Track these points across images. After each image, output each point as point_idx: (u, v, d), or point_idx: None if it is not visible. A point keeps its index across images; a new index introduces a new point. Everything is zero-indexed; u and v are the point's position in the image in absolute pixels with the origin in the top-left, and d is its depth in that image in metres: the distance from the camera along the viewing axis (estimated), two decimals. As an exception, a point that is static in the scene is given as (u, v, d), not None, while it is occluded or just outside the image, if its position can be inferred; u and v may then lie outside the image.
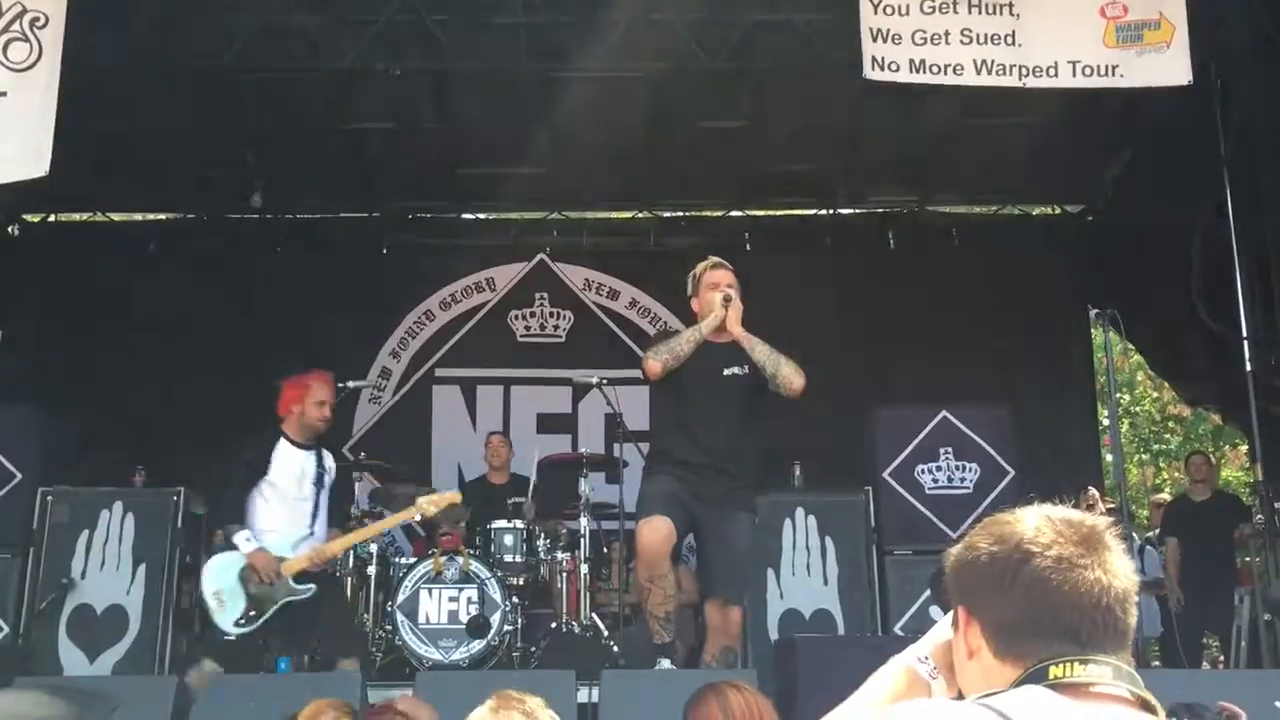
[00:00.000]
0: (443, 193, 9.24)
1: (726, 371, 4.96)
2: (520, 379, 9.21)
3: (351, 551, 6.33)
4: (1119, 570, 1.33)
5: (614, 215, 9.95)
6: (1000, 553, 1.35)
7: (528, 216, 9.61)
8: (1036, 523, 1.35)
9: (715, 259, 5.24)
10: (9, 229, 9.13)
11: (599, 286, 9.38)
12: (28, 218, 9.19)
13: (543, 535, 6.45)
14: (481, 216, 9.77)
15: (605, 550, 7.14)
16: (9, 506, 6.10)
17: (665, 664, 4.87)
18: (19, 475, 6.16)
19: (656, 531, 4.70)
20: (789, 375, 4.88)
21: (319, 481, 5.28)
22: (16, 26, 5.50)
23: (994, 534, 1.37)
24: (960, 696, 1.48)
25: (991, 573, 1.35)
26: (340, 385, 6.64)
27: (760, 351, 4.91)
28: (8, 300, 8.90)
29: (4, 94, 5.44)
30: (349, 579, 6.27)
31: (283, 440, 5.28)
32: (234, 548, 5.04)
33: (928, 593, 6.01)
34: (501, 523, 6.34)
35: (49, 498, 6.09)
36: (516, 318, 9.36)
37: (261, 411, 7.90)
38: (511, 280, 9.41)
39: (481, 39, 6.91)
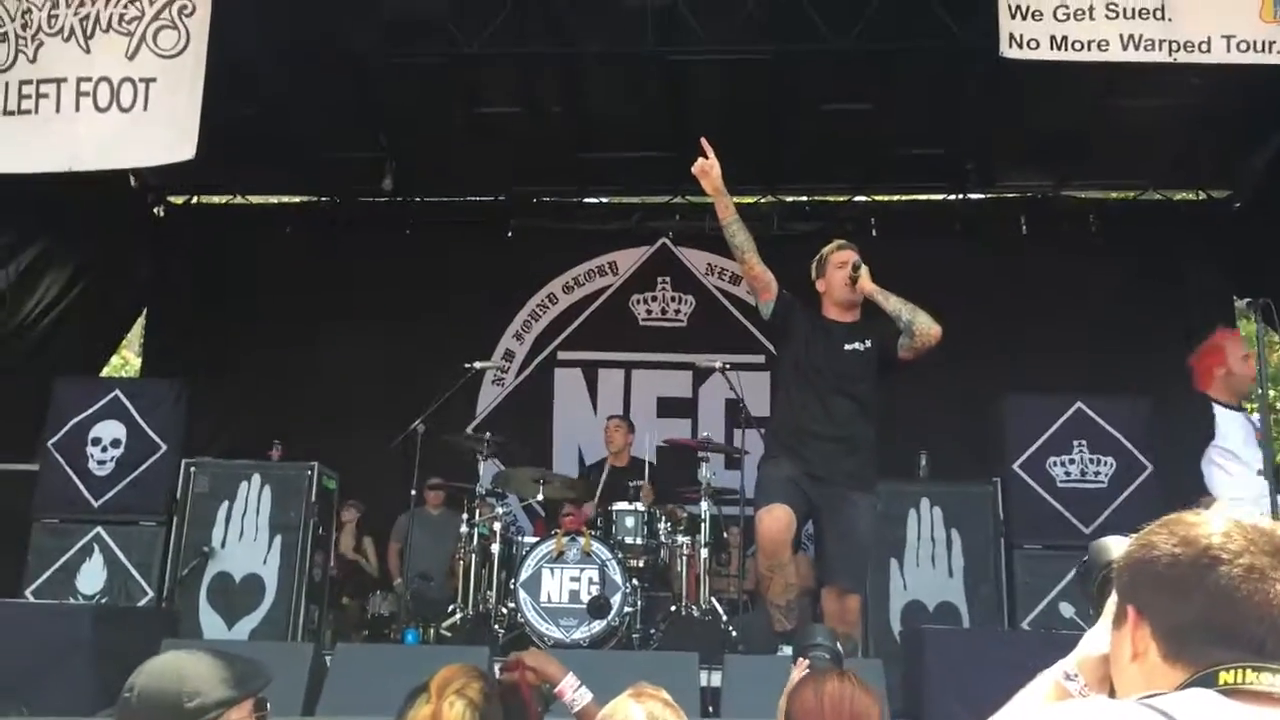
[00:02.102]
0: (567, 176, 9.30)
1: (848, 347, 4.93)
2: (641, 363, 9.23)
3: (475, 530, 6.45)
4: None
5: (737, 199, 9.82)
6: (1185, 555, 1.29)
7: (650, 200, 9.61)
8: (1226, 528, 1.29)
9: (841, 240, 5.22)
10: (155, 210, 9.52)
11: (721, 271, 9.34)
12: (172, 199, 9.57)
13: (663, 519, 6.46)
14: (604, 200, 9.80)
15: (725, 535, 7.12)
16: (154, 477, 6.37)
17: (787, 650, 4.79)
18: (164, 446, 6.42)
19: (777, 521, 4.65)
20: (925, 323, 4.81)
21: None
22: (166, 14, 5.71)
23: (1178, 535, 1.31)
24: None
25: (1172, 575, 1.29)
26: (466, 366, 6.78)
27: (894, 302, 4.87)
28: (154, 278, 9.32)
29: (154, 79, 5.66)
30: (473, 556, 6.38)
31: (1216, 406, 5.11)
32: None
33: (1057, 589, 5.84)
34: (623, 504, 6.37)
35: (192, 469, 6.34)
36: (638, 301, 9.38)
37: (388, 387, 8.17)
38: (634, 264, 9.44)
39: (607, 22, 6.92)
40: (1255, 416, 4.89)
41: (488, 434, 7.01)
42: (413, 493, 6.54)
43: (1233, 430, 4.93)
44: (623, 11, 6.80)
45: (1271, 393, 15.25)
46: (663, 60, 7.39)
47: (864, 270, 4.94)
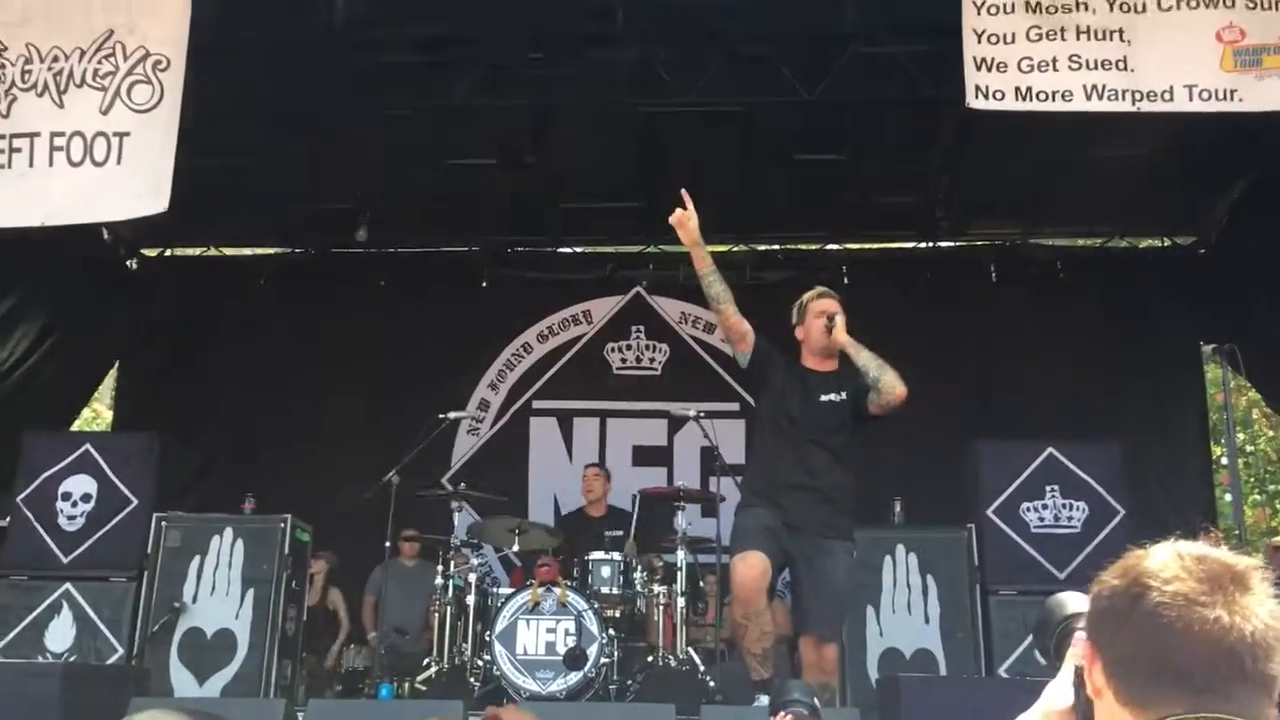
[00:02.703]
0: (541, 226, 9.35)
1: (824, 398, 4.94)
2: (616, 411, 9.24)
3: (450, 581, 6.41)
4: (1251, 612, 1.20)
5: (710, 249, 9.91)
6: (1120, 586, 1.27)
7: (624, 250, 9.67)
8: (1165, 557, 1.26)
9: (822, 288, 5.24)
10: (129, 263, 9.49)
11: (695, 320, 9.38)
12: (146, 252, 9.55)
13: (639, 568, 6.44)
14: (578, 250, 9.86)
15: (701, 584, 7.10)
16: (125, 531, 6.30)
17: (764, 700, 4.77)
18: (135, 501, 6.37)
19: (752, 569, 4.64)
20: (891, 381, 4.81)
21: None
22: (140, 69, 5.73)
23: (1121, 567, 1.30)
24: None
25: (1111, 607, 1.27)
26: (440, 416, 6.76)
27: (865, 356, 4.88)
28: (127, 331, 9.27)
29: (128, 133, 5.67)
30: (448, 608, 6.33)
31: None
32: None
33: (1032, 635, 5.85)
34: (599, 554, 6.35)
35: (163, 523, 6.28)
36: (613, 350, 9.40)
37: (363, 440, 8.15)
38: (608, 313, 9.47)
39: (580, 75, 7.00)
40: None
41: (462, 484, 6.98)
42: (387, 544, 6.49)
43: None
44: (595, 63, 6.89)
45: (1240, 436, 15.41)
46: (635, 112, 7.48)
47: (839, 320, 4.97)
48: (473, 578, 6.33)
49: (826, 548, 4.84)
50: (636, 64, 6.89)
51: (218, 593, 6.13)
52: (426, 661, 6.34)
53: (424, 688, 6.08)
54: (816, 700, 2.96)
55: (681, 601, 6.25)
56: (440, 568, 6.56)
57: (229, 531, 6.26)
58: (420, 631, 7.37)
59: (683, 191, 4.96)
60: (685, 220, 4.94)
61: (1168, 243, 9.36)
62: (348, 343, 8.98)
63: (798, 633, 5.12)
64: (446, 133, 7.91)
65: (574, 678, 5.67)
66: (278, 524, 6.31)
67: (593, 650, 5.73)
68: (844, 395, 4.95)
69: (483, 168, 8.24)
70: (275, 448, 8.53)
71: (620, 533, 6.66)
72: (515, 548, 6.79)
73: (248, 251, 9.88)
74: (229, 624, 6.07)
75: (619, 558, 6.33)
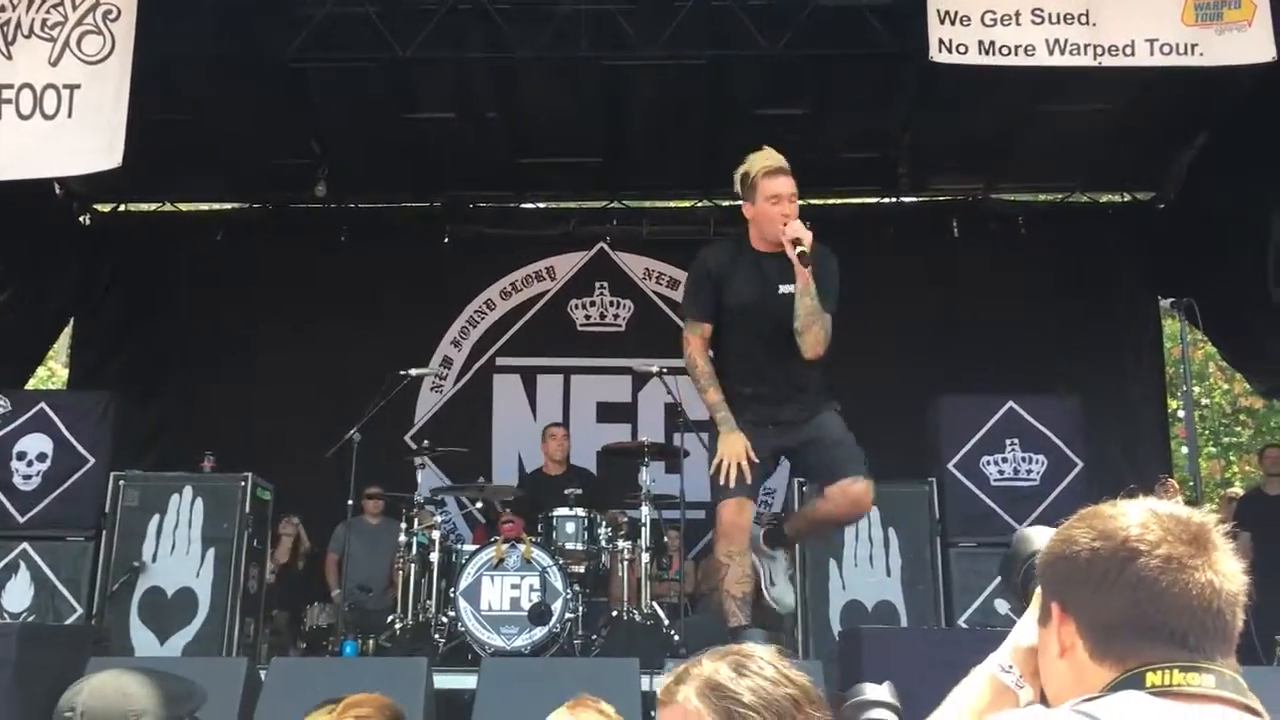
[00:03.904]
0: (503, 182, 9.26)
1: (783, 289, 4.45)
2: (580, 368, 9.22)
3: (414, 539, 6.40)
4: (1229, 571, 1.26)
5: (673, 204, 9.91)
6: (1103, 549, 1.27)
7: (587, 205, 9.61)
8: (1143, 518, 1.27)
9: (769, 155, 4.63)
10: (80, 218, 9.31)
11: (659, 275, 9.35)
12: (99, 207, 9.37)
13: (603, 524, 6.45)
14: (541, 206, 9.78)
15: (665, 539, 7.13)
16: (82, 491, 6.23)
17: (758, 634, 4.42)
18: (92, 460, 6.29)
19: (739, 512, 4.48)
20: (816, 340, 4.42)
21: None
22: (90, 19, 5.59)
23: (1096, 528, 1.29)
24: (1044, 697, 1.42)
25: (1092, 570, 1.27)
26: (402, 373, 6.72)
27: (806, 304, 4.39)
28: (80, 287, 9.11)
29: (78, 86, 5.54)
30: (412, 565, 6.32)
31: None
32: None
33: (992, 586, 5.93)
34: (563, 510, 6.35)
35: (121, 482, 6.20)
36: (576, 307, 9.36)
37: (324, 396, 8.08)
38: (571, 269, 9.42)
39: (542, 28, 6.91)
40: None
41: (425, 441, 6.95)
42: (349, 503, 6.45)
43: None
44: (557, 16, 6.80)
45: (1196, 390, 15.65)
46: (598, 65, 7.39)
47: (806, 238, 4.34)
48: (436, 535, 6.31)
49: (815, 422, 4.59)
50: (599, 16, 6.80)
51: (178, 552, 6.08)
52: (391, 619, 6.34)
53: (388, 645, 6.09)
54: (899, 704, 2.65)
55: (646, 557, 6.27)
56: (404, 525, 6.54)
57: (188, 490, 6.19)
58: (384, 589, 7.37)
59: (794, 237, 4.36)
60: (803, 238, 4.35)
61: (1127, 198, 9.43)
62: (307, 299, 8.88)
63: (824, 489, 4.64)
64: (406, 86, 7.79)
65: (539, 633, 5.69)
66: (238, 482, 6.25)
67: (557, 606, 5.74)
68: None
69: (443, 121, 8.14)
70: (235, 405, 8.44)
71: (581, 491, 6.66)
72: (479, 504, 6.79)
73: (204, 207, 9.71)
74: (190, 583, 6.03)
75: (583, 513, 6.34)
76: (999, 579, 5.79)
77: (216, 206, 9.65)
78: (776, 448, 4.67)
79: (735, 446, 4.48)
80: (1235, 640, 1.27)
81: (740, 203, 4.71)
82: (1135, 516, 1.28)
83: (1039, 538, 1.52)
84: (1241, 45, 5.62)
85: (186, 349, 8.87)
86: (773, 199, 4.48)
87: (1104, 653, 1.27)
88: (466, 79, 7.76)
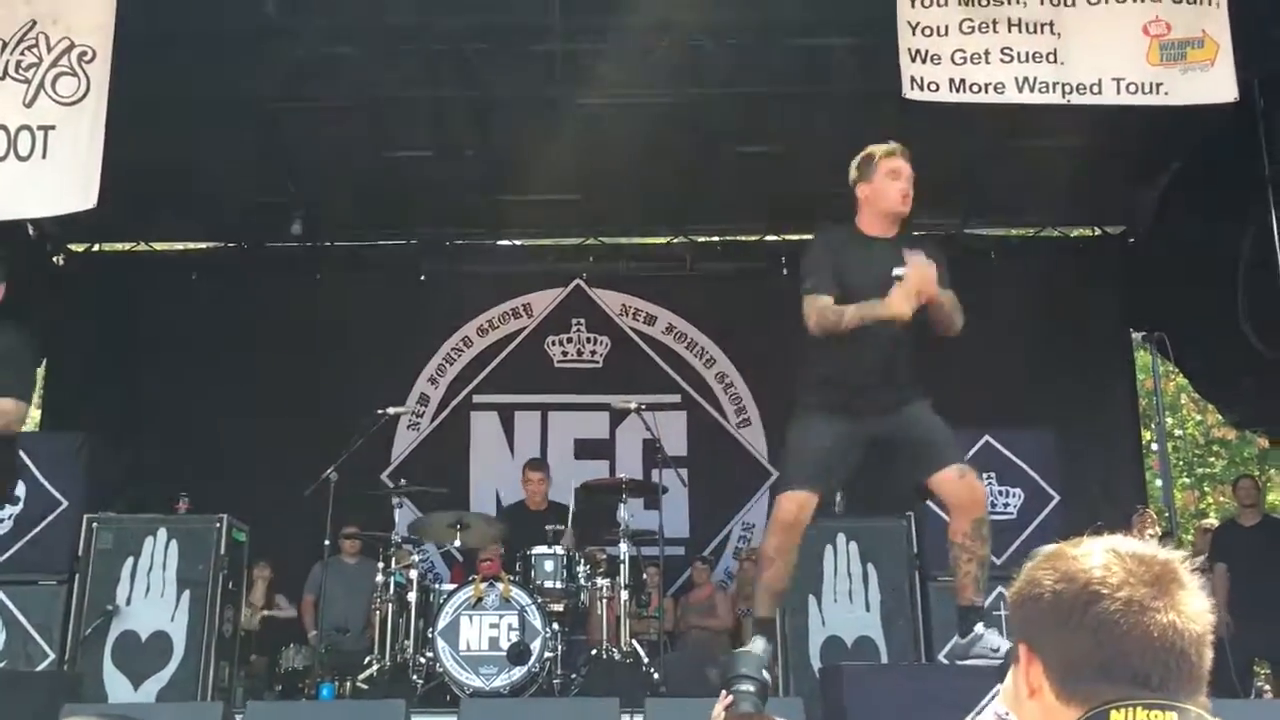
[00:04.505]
0: (480, 219, 9.30)
1: (897, 272, 4.27)
2: (558, 404, 9.23)
3: (391, 578, 6.35)
4: (1193, 612, 1.26)
5: (650, 240, 9.97)
6: (1066, 592, 1.28)
7: (564, 242, 9.65)
8: (1105, 559, 1.28)
9: (893, 144, 4.61)
10: (55, 259, 9.26)
11: (636, 312, 9.39)
12: (73, 248, 9.33)
13: (582, 561, 6.42)
14: (518, 243, 9.81)
15: (644, 577, 7.11)
16: (55, 534, 6.14)
17: (760, 643, 4.33)
18: (65, 502, 6.21)
19: (802, 508, 4.26)
20: (958, 321, 4.51)
21: None
22: (65, 61, 5.59)
23: (1059, 570, 1.30)
24: None
25: (1056, 612, 1.28)
26: (379, 412, 6.69)
27: (948, 306, 4.44)
28: (54, 328, 9.04)
29: (53, 127, 5.53)
30: (390, 605, 6.27)
31: None
32: None
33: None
34: (541, 548, 6.32)
35: (94, 524, 6.12)
36: (554, 343, 9.38)
37: (299, 435, 8.03)
38: (548, 306, 9.44)
39: (519, 66, 6.96)
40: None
41: (402, 480, 6.92)
42: (326, 543, 6.40)
43: None
44: (532, 55, 6.86)
45: (1169, 421, 15.79)
46: (574, 104, 7.45)
47: (927, 274, 4.28)
48: (414, 574, 6.26)
49: (907, 412, 4.40)
50: (575, 55, 6.86)
51: (152, 594, 6.00)
52: (368, 660, 6.27)
53: (365, 687, 6.02)
54: (766, 674, 2.82)
55: (625, 594, 6.25)
56: (381, 565, 6.49)
57: (163, 532, 6.12)
58: (362, 630, 7.30)
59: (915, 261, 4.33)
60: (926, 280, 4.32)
61: (1098, 232, 9.54)
62: (283, 338, 8.85)
63: (925, 485, 4.49)
64: (383, 125, 7.82)
65: (518, 673, 5.64)
66: (213, 524, 6.18)
67: (536, 645, 5.70)
68: None
69: (420, 159, 8.17)
70: (209, 446, 8.38)
71: (562, 527, 6.64)
72: (457, 543, 6.75)
73: (179, 246, 9.68)
74: (164, 626, 5.94)
75: (561, 551, 6.30)
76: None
77: (191, 246, 9.63)
78: (865, 443, 4.37)
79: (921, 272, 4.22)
80: (1204, 679, 1.27)
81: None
82: (1098, 558, 1.29)
83: None
84: (1205, 84, 5.72)
85: (162, 389, 8.81)
86: (892, 173, 4.50)
87: (1070, 693, 1.28)
88: (444, 117, 7.80)
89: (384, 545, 6.60)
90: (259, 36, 6.61)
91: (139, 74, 5.86)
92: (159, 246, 9.57)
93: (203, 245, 9.56)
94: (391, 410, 6.86)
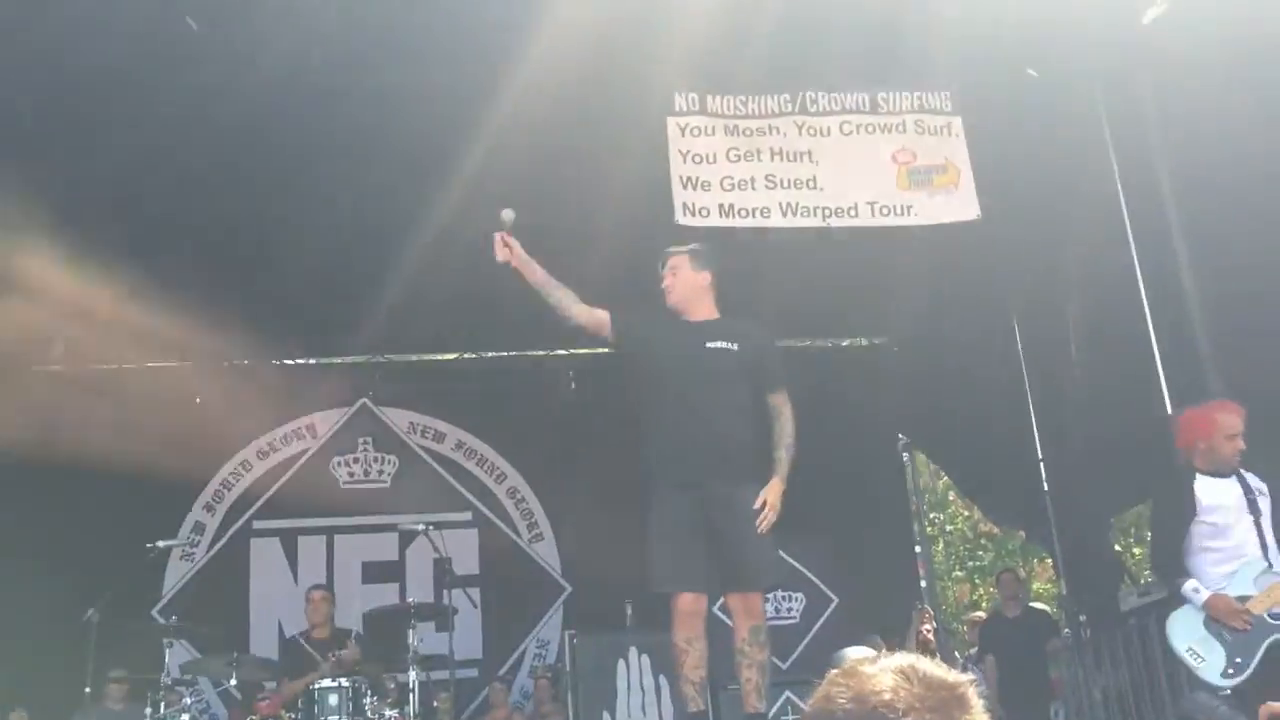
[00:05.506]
0: (257, 339, 9.03)
1: (710, 345, 4.46)
2: (344, 527, 8.97)
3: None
4: None
5: (437, 357, 9.92)
6: (855, 713, 1.33)
7: (349, 360, 9.49)
8: (894, 682, 1.34)
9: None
10: None
11: (424, 430, 9.29)
12: None
13: (369, 692, 6.19)
14: (300, 362, 9.58)
15: (436, 704, 6.91)
16: None
17: None
18: None
19: (697, 600, 4.45)
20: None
21: (1252, 508, 4.61)
22: None
23: (853, 689, 1.36)
24: None
25: None
26: (148, 546, 6.33)
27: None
28: None
29: None
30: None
31: (1198, 475, 4.71)
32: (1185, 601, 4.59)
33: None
34: (325, 682, 6.06)
35: None
36: (339, 464, 9.15)
37: (59, 573, 7.46)
38: (333, 426, 9.23)
39: (300, 191, 6.90)
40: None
41: (174, 617, 6.54)
42: (87, 690, 5.95)
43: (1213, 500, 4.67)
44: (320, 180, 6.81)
45: (940, 517, 16.65)
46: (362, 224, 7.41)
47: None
48: (186, 717, 5.89)
49: (736, 495, 4.51)
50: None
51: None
52: (135, 814, 5.83)
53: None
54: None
55: (415, 724, 6.05)
56: (150, 710, 6.08)
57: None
58: (130, 781, 6.78)
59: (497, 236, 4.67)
60: (509, 252, 4.65)
61: (865, 343, 10.11)
62: (40, 466, 8.26)
63: (723, 592, 4.67)
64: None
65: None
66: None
67: (322, 787, 5.44)
68: (734, 345, 4.51)
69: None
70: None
71: (345, 651, 6.40)
72: (234, 681, 6.39)
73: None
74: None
75: (347, 684, 6.06)
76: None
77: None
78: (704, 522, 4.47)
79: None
80: None
81: None
82: (887, 681, 1.35)
83: (853, 655, 1.59)
84: (950, 205, 6.23)
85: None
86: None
87: None
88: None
89: (153, 689, 6.18)
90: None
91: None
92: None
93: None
94: (161, 544, 6.50)
